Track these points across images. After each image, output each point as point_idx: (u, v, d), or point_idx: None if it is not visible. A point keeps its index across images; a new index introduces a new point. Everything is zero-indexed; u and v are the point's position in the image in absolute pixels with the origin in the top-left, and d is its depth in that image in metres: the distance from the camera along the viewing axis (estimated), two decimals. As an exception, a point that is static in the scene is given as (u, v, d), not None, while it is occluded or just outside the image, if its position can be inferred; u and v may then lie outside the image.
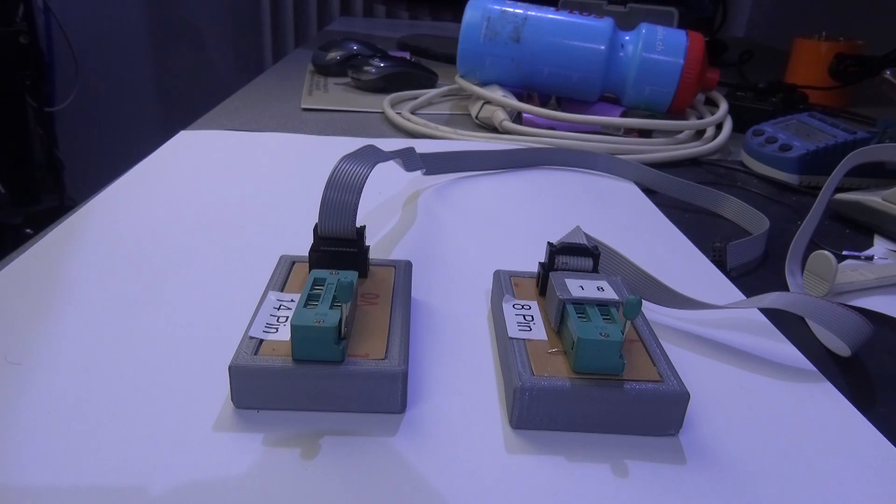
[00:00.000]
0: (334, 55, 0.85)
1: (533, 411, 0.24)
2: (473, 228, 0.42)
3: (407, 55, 0.89)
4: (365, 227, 0.31)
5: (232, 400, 0.24)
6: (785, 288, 0.37)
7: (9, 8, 1.60)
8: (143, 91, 2.16)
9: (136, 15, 2.09)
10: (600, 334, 0.23)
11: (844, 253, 0.41)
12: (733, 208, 0.47)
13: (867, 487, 0.23)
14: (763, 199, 0.52)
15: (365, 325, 0.26)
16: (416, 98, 0.73)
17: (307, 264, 0.31)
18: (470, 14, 0.66)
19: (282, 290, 0.28)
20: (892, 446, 0.25)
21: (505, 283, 0.30)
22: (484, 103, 0.65)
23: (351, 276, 0.26)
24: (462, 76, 0.70)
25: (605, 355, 0.23)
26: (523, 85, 0.68)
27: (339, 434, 0.23)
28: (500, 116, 0.62)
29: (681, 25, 0.80)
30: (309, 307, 0.24)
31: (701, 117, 0.67)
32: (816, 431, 0.25)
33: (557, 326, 0.26)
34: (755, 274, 0.39)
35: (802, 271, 0.38)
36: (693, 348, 0.30)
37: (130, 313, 0.30)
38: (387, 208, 0.44)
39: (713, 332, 0.32)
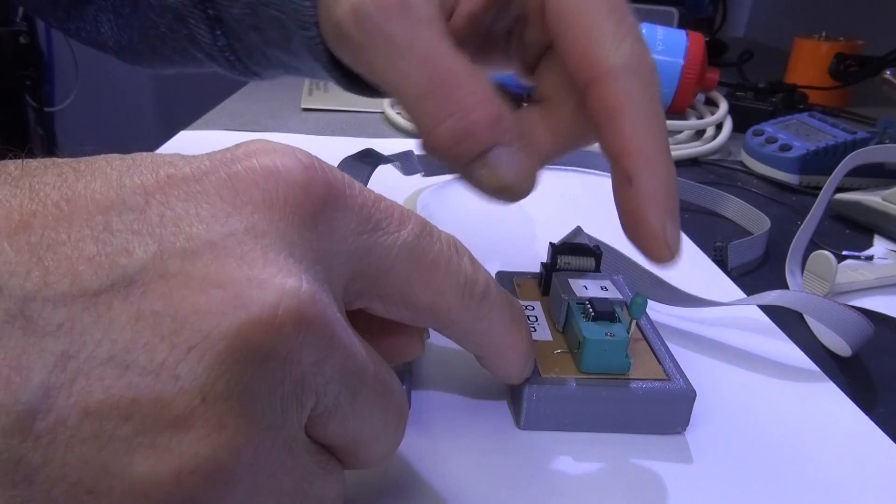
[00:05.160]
0: (335, 55, 0.85)
1: (540, 412, 0.24)
2: (474, 229, 0.42)
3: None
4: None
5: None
6: (785, 288, 0.37)
7: (9, 8, 1.60)
8: (143, 91, 2.16)
9: (136, 15, 2.09)
10: (606, 334, 0.24)
11: (844, 253, 0.41)
12: (734, 208, 0.47)
13: (871, 485, 0.23)
14: (763, 199, 0.52)
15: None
16: (416, 98, 0.73)
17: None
18: (470, 14, 0.66)
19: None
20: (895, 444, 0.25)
21: (507, 285, 0.30)
22: (485, 103, 0.65)
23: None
24: (463, 76, 0.70)
25: (612, 355, 0.24)
26: (523, 85, 0.68)
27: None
28: (500, 117, 0.62)
29: (681, 25, 0.80)
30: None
31: (701, 117, 0.67)
32: (820, 430, 0.25)
33: (562, 327, 0.26)
34: (756, 273, 0.40)
35: (802, 271, 0.38)
36: (696, 347, 0.30)
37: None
38: (389, 208, 0.44)
39: (716, 331, 0.32)
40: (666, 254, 0.21)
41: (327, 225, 0.16)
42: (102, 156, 0.15)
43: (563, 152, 0.26)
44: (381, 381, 0.17)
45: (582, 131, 0.25)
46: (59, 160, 0.15)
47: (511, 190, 0.23)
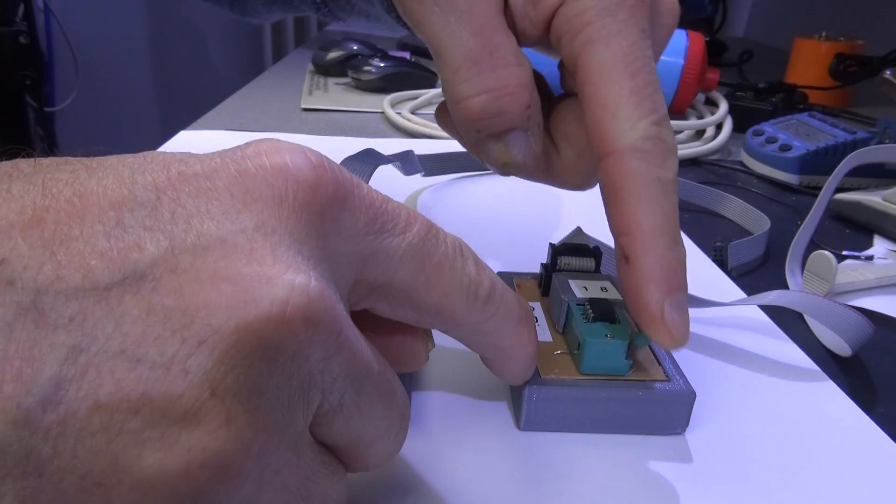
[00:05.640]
0: (334, 55, 0.85)
1: (540, 413, 0.24)
2: (473, 230, 0.42)
3: (407, 55, 0.89)
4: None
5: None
6: (785, 288, 0.37)
7: (9, 8, 1.60)
8: (143, 91, 2.16)
9: (136, 15, 2.09)
10: (605, 335, 0.24)
11: (844, 253, 0.41)
12: (734, 208, 0.47)
13: (871, 485, 0.23)
14: (763, 199, 0.52)
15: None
16: (416, 98, 0.74)
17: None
18: (470, 14, 0.66)
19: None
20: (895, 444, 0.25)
21: (507, 285, 0.30)
22: (485, 103, 0.65)
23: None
24: (463, 76, 0.70)
25: (611, 356, 0.24)
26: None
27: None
28: (500, 117, 0.62)
29: (681, 25, 0.80)
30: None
31: (701, 117, 0.67)
32: (820, 429, 0.25)
33: (562, 328, 0.26)
34: (756, 273, 0.40)
35: (802, 271, 0.38)
36: (696, 347, 0.30)
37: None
38: (389, 209, 0.44)
39: (716, 331, 0.32)
40: (665, 336, 0.21)
41: (335, 224, 0.16)
42: (114, 155, 0.16)
43: (558, 187, 0.26)
44: (386, 381, 0.17)
45: (578, 182, 0.25)
46: (72, 158, 0.15)
47: (515, 167, 0.23)
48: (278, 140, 0.16)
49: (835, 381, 0.29)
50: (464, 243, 0.19)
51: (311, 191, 0.16)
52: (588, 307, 0.25)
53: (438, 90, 0.76)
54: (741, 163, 0.59)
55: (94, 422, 0.12)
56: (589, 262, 0.29)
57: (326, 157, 0.17)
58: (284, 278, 0.14)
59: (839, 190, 0.47)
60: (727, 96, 0.72)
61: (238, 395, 0.13)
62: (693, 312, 0.33)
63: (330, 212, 0.16)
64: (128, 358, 0.13)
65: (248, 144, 0.16)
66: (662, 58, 0.72)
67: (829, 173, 0.41)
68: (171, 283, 0.13)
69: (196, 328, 0.13)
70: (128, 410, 0.13)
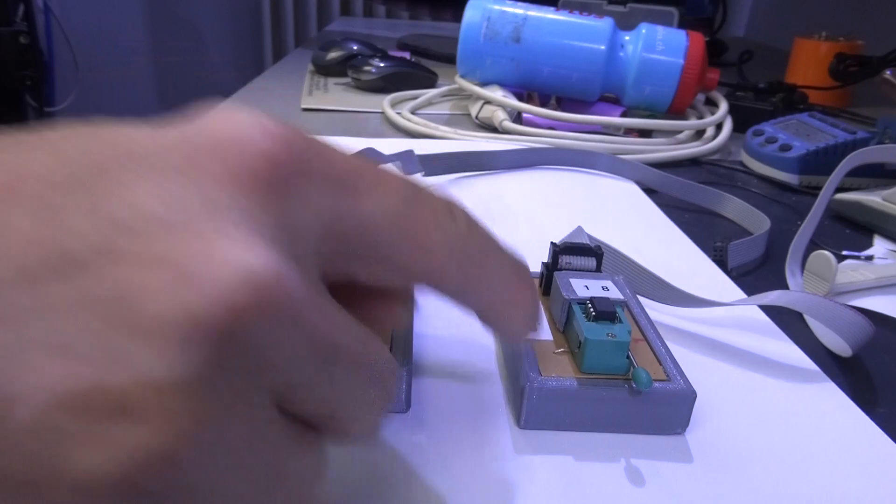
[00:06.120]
0: (334, 55, 0.85)
1: (541, 411, 0.24)
2: (475, 229, 0.42)
3: (407, 55, 0.89)
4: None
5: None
6: (785, 288, 0.37)
7: (9, 8, 1.60)
8: (143, 91, 2.16)
9: (136, 15, 2.09)
10: (607, 334, 0.24)
11: (844, 253, 0.41)
12: (734, 208, 0.47)
13: (871, 485, 0.23)
14: (763, 199, 0.52)
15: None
16: (416, 98, 0.74)
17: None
18: (470, 14, 0.66)
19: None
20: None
21: (508, 284, 0.30)
22: (484, 103, 0.65)
23: None
24: (462, 76, 0.70)
25: (612, 356, 0.24)
26: (523, 85, 0.68)
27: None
28: (500, 116, 0.62)
29: (681, 25, 0.80)
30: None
31: (701, 117, 0.67)
32: (821, 430, 0.25)
33: (563, 326, 0.26)
34: (756, 273, 0.40)
35: (802, 271, 0.38)
36: (696, 347, 0.30)
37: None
38: (389, 208, 0.44)
39: (716, 331, 0.32)
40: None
41: (297, 195, 0.15)
42: (58, 129, 0.14)
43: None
44: (363, 352, 0.16)
45: None
46: (11, 135, 0.14)
47: None
48: (234, 110, 0.15)
49: (835, 381, 0.29)
50: (457, 203, 0.18)
51: (266, 163, 0.14)
52: (589, 306, 0.25)
53: (438, 90, 0.76)
54: (741, 163, 0.59)
55: (24, 420, 0.11)
56: (590, 262, 0.29)
57: (287, 125, 0.15)
58: (233, 260, 0.13)
59: (839, 190, 0.47)
60: (727, 96, 0.72)
61: (181, 387, 0.12)
62: (693, 312, 0.33)
63: (288, 184, 0.15)
64: (59, 352, 0.12)
65: (200, 116, 0.15)
66: (662, 58, 0.72)
67: (829, 173, 0.41)
68: (108, 269, 0.12)
69: (134, 318, 0.12)
70: (61, 408, 0.12)
